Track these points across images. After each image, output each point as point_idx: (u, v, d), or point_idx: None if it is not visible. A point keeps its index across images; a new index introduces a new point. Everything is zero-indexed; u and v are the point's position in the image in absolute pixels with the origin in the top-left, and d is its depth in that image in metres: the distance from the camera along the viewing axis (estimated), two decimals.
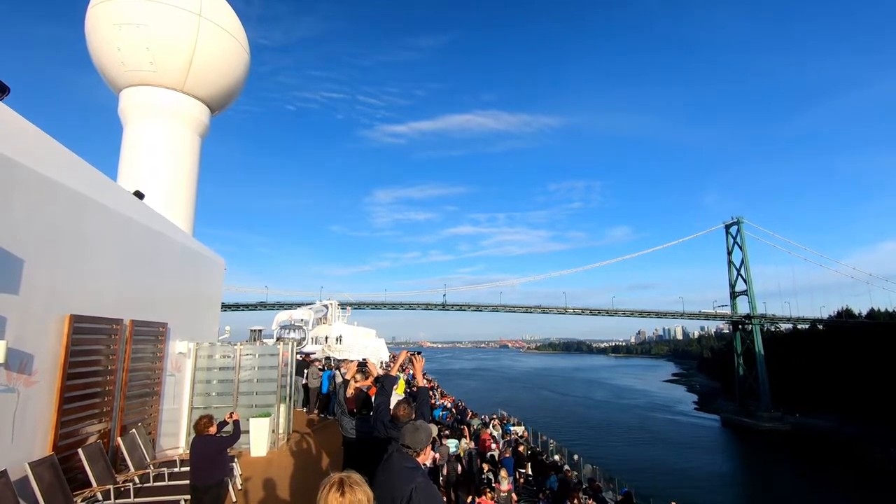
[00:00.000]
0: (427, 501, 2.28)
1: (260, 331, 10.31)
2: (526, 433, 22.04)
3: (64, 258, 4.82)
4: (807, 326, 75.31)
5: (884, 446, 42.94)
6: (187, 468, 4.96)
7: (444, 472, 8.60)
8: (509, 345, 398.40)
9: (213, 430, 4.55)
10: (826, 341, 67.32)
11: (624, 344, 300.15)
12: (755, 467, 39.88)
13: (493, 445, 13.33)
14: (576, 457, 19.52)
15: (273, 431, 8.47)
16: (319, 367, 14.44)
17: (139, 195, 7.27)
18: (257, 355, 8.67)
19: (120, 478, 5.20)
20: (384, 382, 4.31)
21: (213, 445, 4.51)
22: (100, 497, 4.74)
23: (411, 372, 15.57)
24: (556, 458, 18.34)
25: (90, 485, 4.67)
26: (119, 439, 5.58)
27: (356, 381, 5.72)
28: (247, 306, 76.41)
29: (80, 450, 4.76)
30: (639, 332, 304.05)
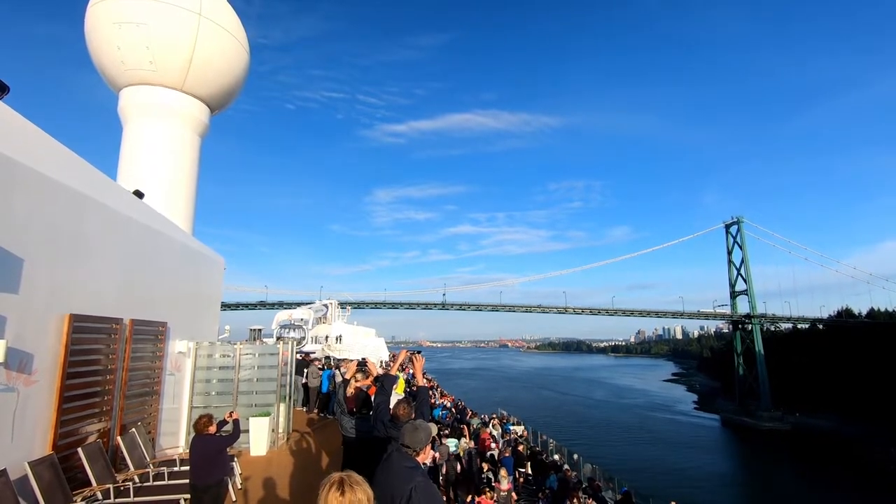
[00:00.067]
0: (427, 501, 2.28)
1: (260, 330, 10.29)
2: (525, 432, 22.07)
3: (64, 257, 4.81)
4: (807, 326, 75.34)
5: (884, 446, 42.93)
6: (187, 467, 4.96)
7: (444, 471, 8.60)
8: (509, 344, 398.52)
9: (212, 429, 4.54)
10: (826, 341, 67.32)
11: (624, 343, 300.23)
12: (755, 467, 39.90)
13: (493, 445, 13.34)
14: (575, 456, 19.54)
15: (273, 431, 8.47)
16: (319, 366, 14.45)
17: (139, 194, 7.27)
18: (257, 354, 8.66)
19: (120, 477, 5.20)
20: (384, 382, 4.31)
21: (213, 445, 4.51)
22: (99, 496, 4.74)
23: (411, 371, 15.59)
24: (556, 457, 18.35)
25: (90, 484, 4.68)
26: (119, 438, 5.58)
27: (357, 381, 5.71)
28: (246, 306, 76.40)
29: (79, 449, 4.76)
30: (638, 332, 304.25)
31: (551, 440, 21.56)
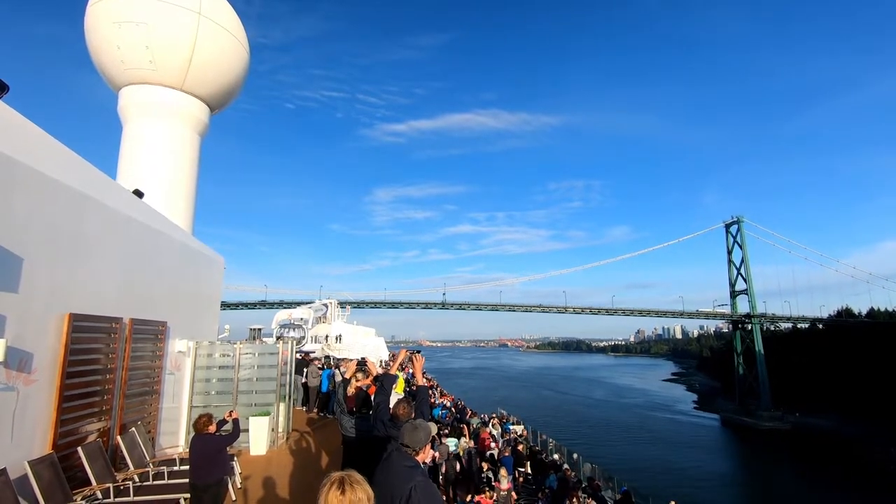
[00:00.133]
0: (426, 500, 2.28)
1: (259, 329, 10.30)
2: (525, 432, 22.07)
3: (63, 257, 4.82)
4: (807, 326, 75.39)
5: (884, 446, 42.92)
6: (187, 467, 4.96)
7: (444, 470, 8.60)
8: (509, 344, 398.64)
9: (212, 428, 4.54)
10: (826, 341, 67.35)
11: (623, 343, 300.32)
12: (755, 467, 39.91)
13: (493, 444, 13.35)
14: (575, 456, 19.54)
15: (272, 430, 8.47)
16: (319, 365, 14.45)
17: (139, 194, 7.27)
18: (257, 354, 8.67)
19: (119, 476, 5.21)
20: (383, 381, 4.31)
21: (213, 444, 4.51)
22: (99, 495, 4.75)
23: (411, 371, 15.60)
24: (556, 456, 18.35)
25: (90, 483, 4.68)
26: (118, 438, 5.59)
27: (357, 380, 5.72)
28: (246, 305, 76.50)
29: (79, 448, 4.77)
30: (638, 332, 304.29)
31: (551, 440, 21.56)
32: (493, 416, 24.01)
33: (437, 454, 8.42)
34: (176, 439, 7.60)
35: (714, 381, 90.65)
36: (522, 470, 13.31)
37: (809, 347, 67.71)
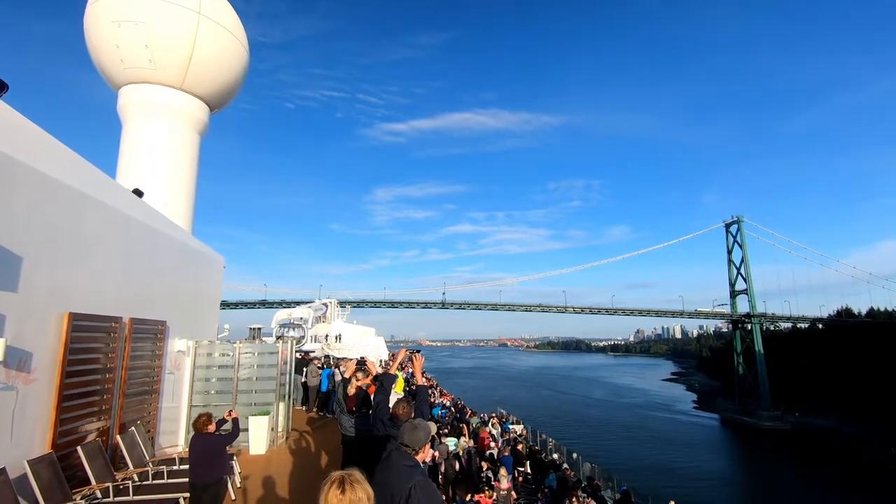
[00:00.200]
0: (426, 499, 2.28)
1: (259, 329, 10.29)
2: (525, 431, 22.08)
3: (63, 256, 4.82)
4: (806, 325, 75.38)
5: (884, 446, 42.99)
6: (186, 466, 4.96)
7: (443, 470, 8.61)
8: (508, 343, 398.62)
9: (212, 427, 4.54)
10: (826, 340, 67.37)
11: (623, 343, 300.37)
12: (755, 467, 39.94)
13: (492, 444, 13.37)
14: (574, 455, 19.55)
15: (272, 429, 8.48)
16: (318, 365, 14.46)
17: (138, 193, 7.27)
18: (256, 353, 8.67)
19: (119, 476, 5.21)
20: (383, 381, 4.31)
21: (213, 443, 4.51)
22: (99, 495, 4.75)
23: (410, 370, 15.60)
24: (555, 456, 18.35)
25: (89, 482, 4.68)
26: (118, 437, 5.59)
27: (357, 380, 5.71)
28: (246, 304, 76.48)
29: (79, 448, 4.77)
30: (638, 331, 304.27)
31: (550, 439, 21.56)
32: (493, 415, 24.02)
33: (436, 454, 8.43)
34: (175, 439, 7.60)
35: (714, 380, 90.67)
36: (522, 469, 13.32)
37: (809, 347, 67.73)
